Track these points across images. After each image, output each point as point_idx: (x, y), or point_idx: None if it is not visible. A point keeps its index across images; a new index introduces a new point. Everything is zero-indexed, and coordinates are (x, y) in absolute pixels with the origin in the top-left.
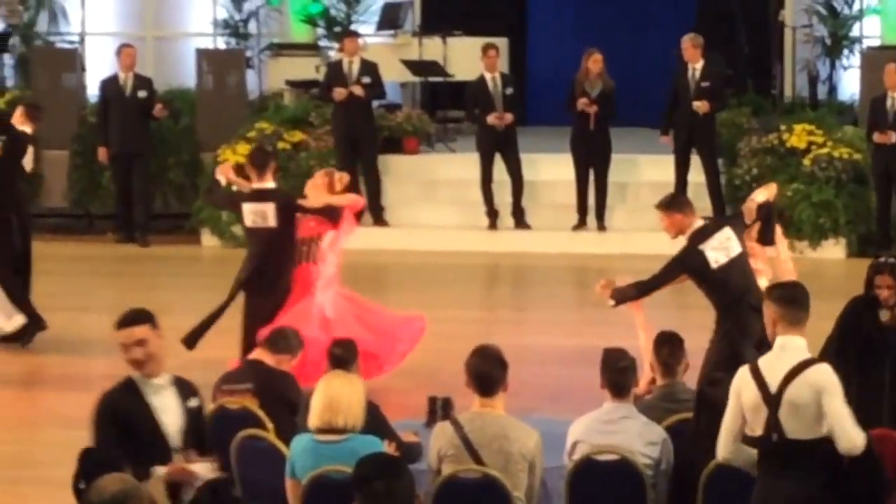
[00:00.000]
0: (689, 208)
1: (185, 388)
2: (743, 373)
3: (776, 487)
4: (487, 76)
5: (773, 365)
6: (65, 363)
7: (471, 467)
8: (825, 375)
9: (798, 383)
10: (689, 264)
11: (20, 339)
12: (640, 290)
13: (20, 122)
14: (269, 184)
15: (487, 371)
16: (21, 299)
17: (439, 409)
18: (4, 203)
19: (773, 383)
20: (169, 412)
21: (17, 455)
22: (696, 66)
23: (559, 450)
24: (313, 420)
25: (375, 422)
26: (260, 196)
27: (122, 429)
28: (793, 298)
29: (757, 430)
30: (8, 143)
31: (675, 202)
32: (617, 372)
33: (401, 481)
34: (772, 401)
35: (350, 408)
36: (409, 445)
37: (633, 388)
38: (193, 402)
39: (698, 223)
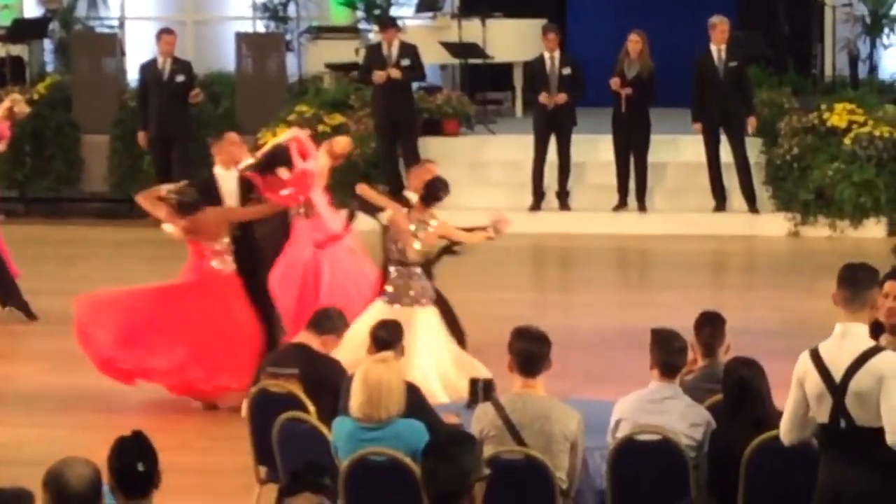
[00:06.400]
0: None
1: None
2: (804, 360)
3: (845, 475)
4: (546, 55)
5: (835, 353)
6: None
7: (513, 448)
8: (888, 364)
9: (863, 373)
10: None
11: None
12: None
13: None
14: None
15: (531, 349)
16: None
17: (480, 390)
18: None
19: (837, 372)
20: None
21: (61, 439)
22: (721, 48)
23: (601, 431)
24: (354, 412)
25: (416, 404)
26: None
27: None
28: (856, 280)
29: (821, 417)
30: None
31: None
32: (671, 353)
33: (453, 463)
34: (836, 390)
35: (390, 398)
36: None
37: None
38: None
39: None
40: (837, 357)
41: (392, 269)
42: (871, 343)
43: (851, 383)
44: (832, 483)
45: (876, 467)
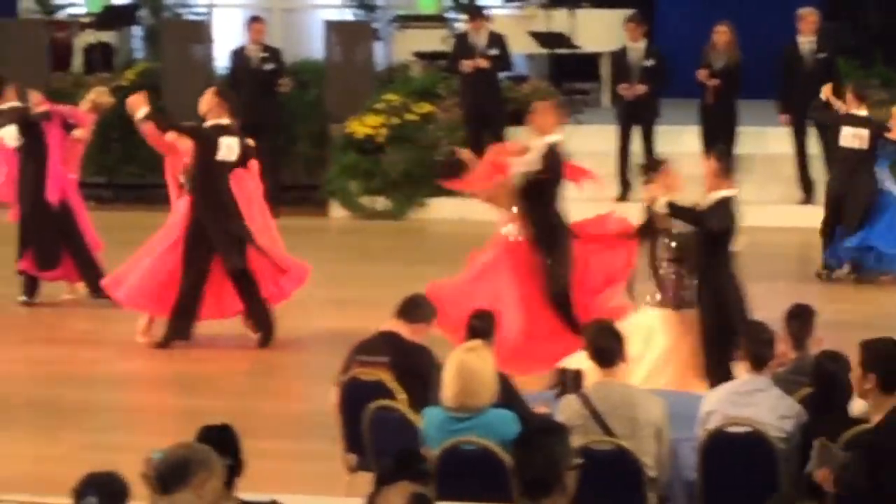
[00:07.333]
0: None
1: None
2: None
3: None
4: (631, 46)
5: None
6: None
7: (601, 439)
8: None
9: None
10: None
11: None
12: None
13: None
14: None
15: (602, 344)
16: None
17: (570, 381)
18: None
19: None
20: None
21: (150, 423)
22: (810, 39)
23: (689, 423)
24: (448, 401)
25: (506, 393)
26: None
27: None
28: None
29: None
30: None
31: None
32: (759, 344)
33: (545, 452)
34: None
35: (483, 387)
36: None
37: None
38: None
39: None
40: None
41: None
42: None
43: None
44: None
45: None
